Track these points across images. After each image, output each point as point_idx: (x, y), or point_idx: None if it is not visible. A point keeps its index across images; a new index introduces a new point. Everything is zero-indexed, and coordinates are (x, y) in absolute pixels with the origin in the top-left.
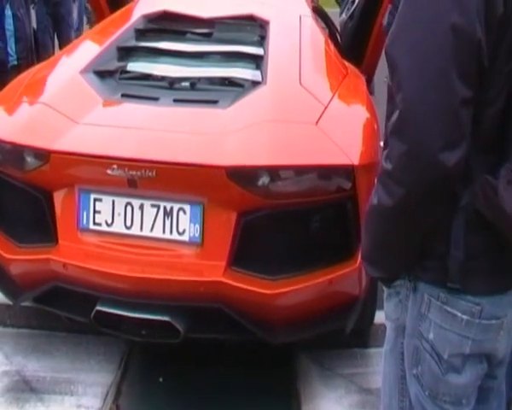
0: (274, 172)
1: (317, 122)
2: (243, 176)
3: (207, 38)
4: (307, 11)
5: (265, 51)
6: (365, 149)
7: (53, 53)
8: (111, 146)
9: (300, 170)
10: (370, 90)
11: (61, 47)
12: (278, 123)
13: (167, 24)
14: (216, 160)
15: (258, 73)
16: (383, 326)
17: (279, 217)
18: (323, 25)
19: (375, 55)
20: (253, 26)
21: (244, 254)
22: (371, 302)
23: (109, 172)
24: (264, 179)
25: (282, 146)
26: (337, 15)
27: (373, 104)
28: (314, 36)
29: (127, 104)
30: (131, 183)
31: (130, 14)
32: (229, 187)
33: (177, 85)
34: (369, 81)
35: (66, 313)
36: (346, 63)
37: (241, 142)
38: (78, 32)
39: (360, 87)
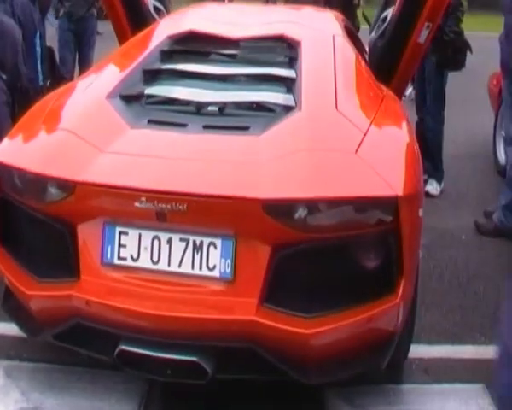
0: (312, 205)
1: (356, 150)
2: (280, 209)
3: (235, 59)
4: (340, 30)
5: (297, 74)
6: (408, 178)
7: (73, 69)
8: (139, 177)
9: (341, 202)
10: None
11: (80, 66)
12: (315, 152)
13: (194, 45)
14: (251, 192)
15: (290, 97)
16: (417, 360)
17: (315, 251)
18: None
19: (406, 75)
20: (284, 47)
21: (278, 291)
22: (407, 336)
23: (137, 204)
24: (301, 212)
25: (321, 177)
26: (362, 33)
27: (412, 128)
28: (348, 57)
29: (155, 131)
30: (161, 216)
31: (155, 35)
32: (264, 220)
33: (204, 110)
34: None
35: (87, 351)
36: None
37: (277, 172)
38: None
39: (398, 110)
